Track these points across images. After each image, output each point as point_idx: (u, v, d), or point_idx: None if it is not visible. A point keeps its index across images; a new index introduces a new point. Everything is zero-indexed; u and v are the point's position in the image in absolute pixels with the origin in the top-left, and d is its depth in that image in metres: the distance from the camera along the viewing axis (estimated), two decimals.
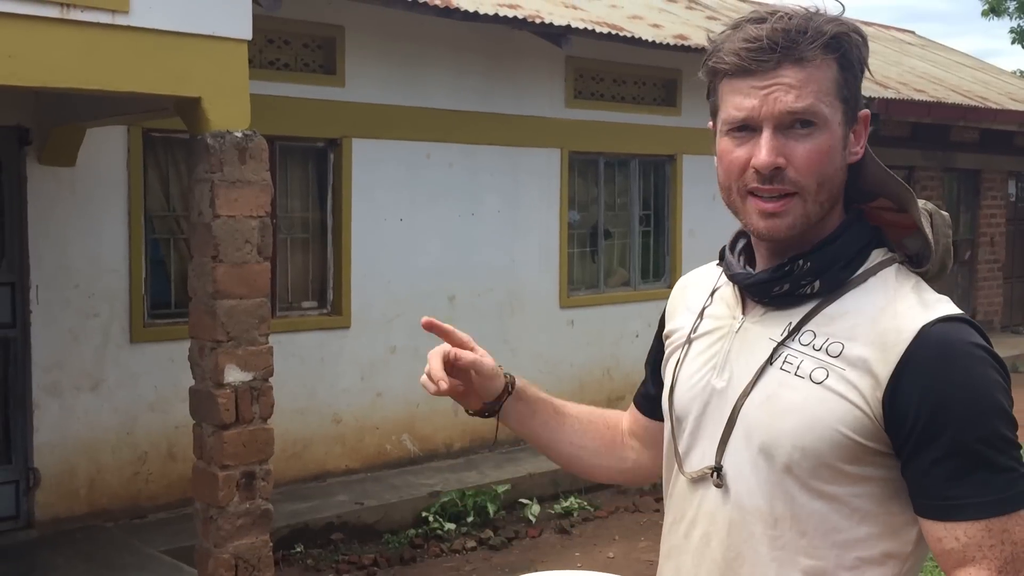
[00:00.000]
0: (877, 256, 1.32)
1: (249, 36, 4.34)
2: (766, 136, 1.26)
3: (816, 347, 1.26)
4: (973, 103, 11.25)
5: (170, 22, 4.09)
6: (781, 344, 1.28)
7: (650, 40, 7.44)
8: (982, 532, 1.17)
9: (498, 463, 7.06)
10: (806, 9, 1.30)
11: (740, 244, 1.42)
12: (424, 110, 7.00)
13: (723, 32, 1.32)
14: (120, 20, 3.96)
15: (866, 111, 1.32)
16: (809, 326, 1.28)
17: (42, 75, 3.88)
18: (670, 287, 7.74)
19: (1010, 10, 20.03)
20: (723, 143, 1.32)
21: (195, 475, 4.35)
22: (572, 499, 6.64)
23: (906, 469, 1.21)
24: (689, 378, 1.38)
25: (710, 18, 9.57)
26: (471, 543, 5.93)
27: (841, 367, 1.23)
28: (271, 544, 4.35)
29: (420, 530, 6.05)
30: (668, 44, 7.61)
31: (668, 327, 1.52)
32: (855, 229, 1.32)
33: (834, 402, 1.22)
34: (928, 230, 1.30)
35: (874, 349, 1.22)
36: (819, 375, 1.24)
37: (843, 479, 1.23)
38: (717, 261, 1.48)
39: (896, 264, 1.31)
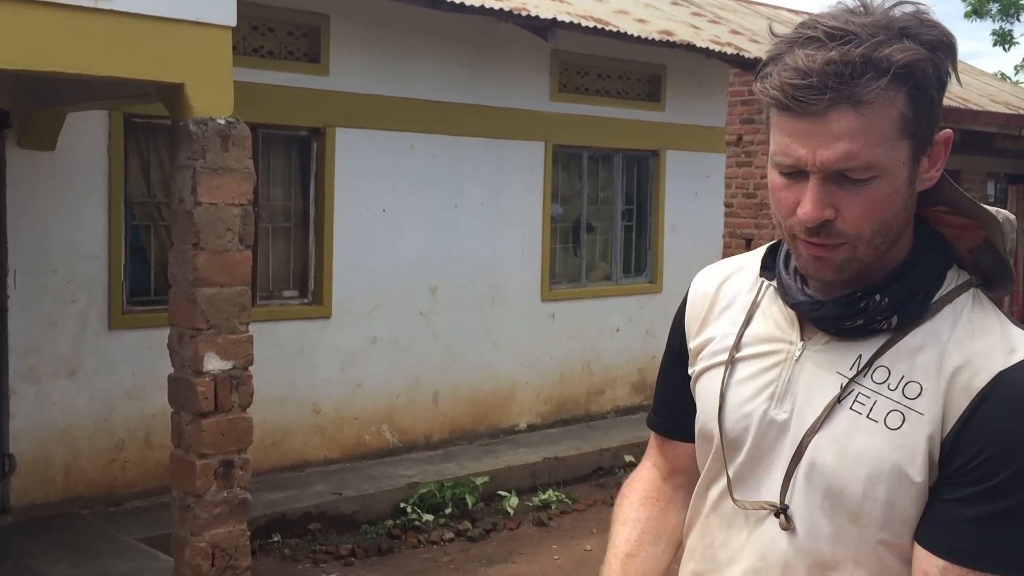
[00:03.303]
0: (952, 280, 1.21)
1: (233, 22, 4.31)
2: (812, 187, 1.13)
3: (891, 387, 1.16)
4: (954, 104, 11.33)
5: (154, 7, 4.05)
6: (851, 380, 1.19)
7: (635, 35, 7.44)
8: None
9: (477, 455, 7.07)
10: (875, 26, 1.10)
11: (793, 260, 1.26)
12: (408, 100, 6.98)
13: (779, 41, 1.15)
14: (103, 4, 3.92)
15: (946, 132, 1.16)
16: (882, 361, 1.18)
17: (23, 58, 3.84)
18: (651, 282, 7.75)
19: (992, 12, 20.17)
20: (772, 175, 1.19)
21: (172, 463, 4.33)
22: (550, 491, 6.66)
23: (931, 495, 1.15)
24: (741, 404, 1.27)
25: (695, 14, 9.58)
26: (449, 534, 5.94)
27: (920, 411, 1.14)
28: (248, 533, 4.34)
29: (398, 521, 6.05)
30: (653, 39, 7.62)
31: (697, 339, 1.38)
32: (931, 254, 1.21)
33: (910, 451, 1.14)
34: (1009, 254, 1.19)
35: (948, 390, 1.14)
36: (894, 420, 1.15)
37: (915, 529, 1.16)
38: (759, 270, 1.34)
39: (972, 289, 1.21)
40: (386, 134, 6.89)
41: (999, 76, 19.55)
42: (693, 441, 1.40)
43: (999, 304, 1.24)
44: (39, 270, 5.53)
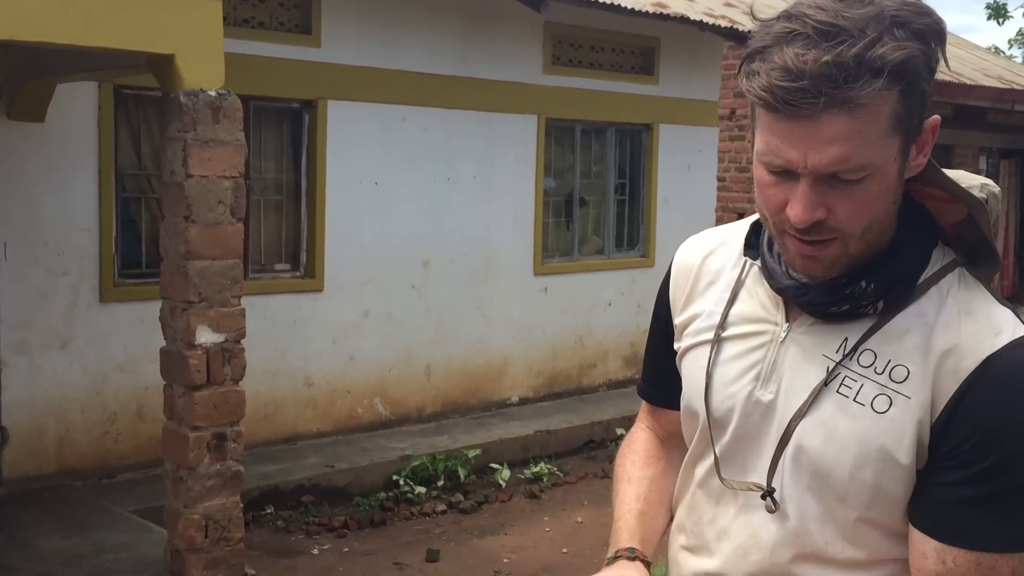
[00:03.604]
0: (937, 260, 1.21)
1: None
2: (803, 190, 1.10)
3: (878, 370, 1.17)
4: (947, 78, 11.30)
5: None
6: (838, 364, 1.19)
7: (629, 7, 7.40)
8: (971, 563, 1.13)
9: (469, 428, 7.10)
10: (866, 18, 1.05)
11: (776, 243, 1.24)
12: (401, 73, 6.94)
13: (764, 32, 1.10)
14: None
15: (935, 119, 1.14)
16: (868, 345, 1.18)
17: (11, 28, 3.80)
18: (644, 256, 7.75)
19: None
20: (759, 171, 1.16)
21: (165, 436, 4.34)
22: (542, 464, 6.70)
23: (923, 478, 1.16)
24: (727, 384, 1.28)
25: None
26: (441, 506, 5.97)
27: (906, 395, 1.15)
28: (241, 505, 4.36)
29: (390, 493, 6.08)
30: (647, 12, 7.58)
31: (682, 315, 1.38)
32: (916, 235, 1.20)
33: (897, 434, 1.15)
34: (994, 227, 1.19)
35: (937, 374, 1.15)
36: (881, 404, 1.16)
37: (902, 508, 1.19)
38: (743, 248, 1.32)
39: (958, 269, 1.20)
40: (378, 106, 6.86)
41: (992, 50, 19.51)
42: (675, 406, 1.41)
43: (987, 282, 1.24)
44: (30, 242, 5.51)
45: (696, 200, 8.76)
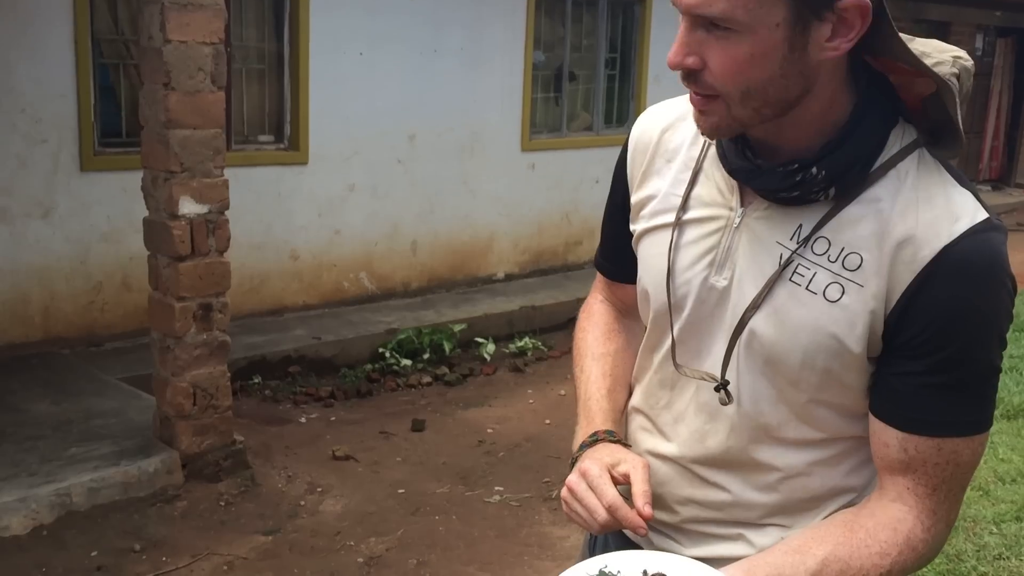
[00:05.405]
0: (895, 141, 1.16)
1: None
2: (680, 32, 1.12)
3: (831, 258, 1.16)
4: None
5: None
6: (793, 253, 1.18)
7: None
8: (933, 449, 1.15)
9: (455, 303, 7.15)
10: None
11: None
12: None
13: None
14: None
15: (862, 1, 1.07)
16: (822, 232, 1.16)
17: None
18: None
19: None
20: None
21: (151, 306, 4.35)
22: (526, 339, 6.78)
23: (881, 369, 1.17)
24: (683, 270, 1.27)
25: None
26: (426, 379, 6.07)
27: (859, 283, 1.14)
28: (229, 374, 4.42)
29: (376, 365, 6.16)
30: None
31: (638, 192, 1.36)
32: (872, 116, 1.15)
33: (848, 323, 1.15)
34: (960, 113, 1.14)
35: (892, 264, 1.13)
36: (833, 292, 1.16)
37: (854, 391, 1.21)
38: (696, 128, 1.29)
39: (918, 150, 1.16)
40: None
41: None
42: (631, 280, 1.41)
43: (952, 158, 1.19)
44: (7, 109, 5.39)
45: None
